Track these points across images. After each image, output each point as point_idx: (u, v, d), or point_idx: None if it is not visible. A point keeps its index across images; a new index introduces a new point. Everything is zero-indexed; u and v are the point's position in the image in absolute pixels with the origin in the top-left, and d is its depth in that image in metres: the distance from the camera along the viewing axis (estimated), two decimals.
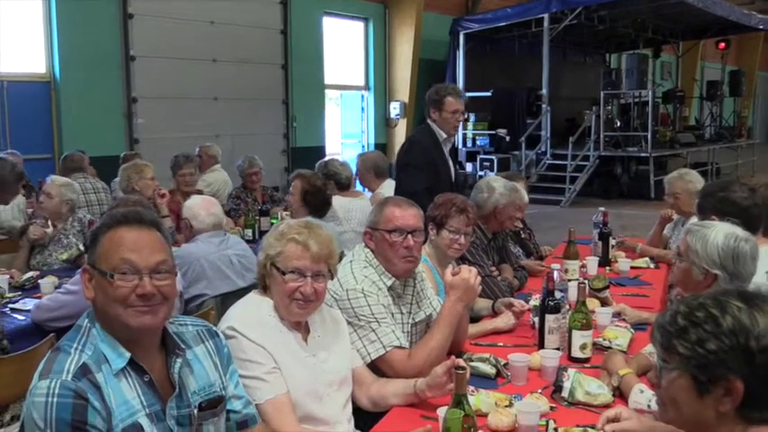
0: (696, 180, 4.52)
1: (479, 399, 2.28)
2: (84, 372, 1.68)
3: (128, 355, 1.76)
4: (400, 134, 14.56)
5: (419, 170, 4.41)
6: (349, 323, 2.57)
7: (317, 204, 4.58)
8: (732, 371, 1.36)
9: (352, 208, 5.17)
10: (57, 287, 3.73)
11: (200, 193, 5.32)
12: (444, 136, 4.61)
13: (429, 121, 4.63)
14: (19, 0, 9.17)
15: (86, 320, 1.81)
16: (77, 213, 4.84)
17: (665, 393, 1.50)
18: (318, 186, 4.60)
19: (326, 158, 6.23)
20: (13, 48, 9.17)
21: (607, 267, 4.39)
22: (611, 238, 4.57)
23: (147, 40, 10.30)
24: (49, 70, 9.49)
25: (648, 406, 2.22)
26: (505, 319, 3.20)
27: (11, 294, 3.84)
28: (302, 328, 2.35)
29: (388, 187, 5.35)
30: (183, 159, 5.89)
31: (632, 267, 4.39)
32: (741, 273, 2.36)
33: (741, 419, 1.38)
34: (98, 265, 1.78)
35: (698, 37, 19.70)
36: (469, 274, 2.65)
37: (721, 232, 2.40)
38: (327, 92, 13.61)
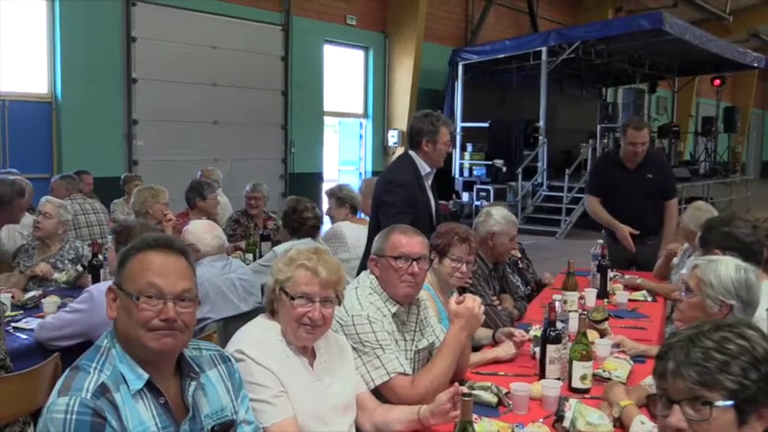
0: (710, 210, 4.51)
1: (482, 427, 2.30)
2: (103, 391, 1.71)
3: (146, 376, 1.79)
4: None
5: (402, 214, 3.93)
6: (354, 349, 2.59)
7: (294, 226, 4.72)
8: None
9: (361, 236, 5.09)
10: (60, 307, 3.75)
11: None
12: (428, 170, 4.24)
13: (412, 152, 4.23)
14: (23, 20, 9.26)
15: (106, 340, 1.84)
16: (74, 241, 4.87)
17: (703, 430, 1.48)
18: (294, 207, 4.71)
19: (339, 183, 6.25)
20: (15, 67, 9.23)
21: (605, 300, 4.42)
22: (609, 270, 4.61)
23: (149, 63, 10.40)
24: (51, 90, 9.56)
25: None
26: (506, 349, 3.22)
27: (13, 313, 3.86)
28: (309, 352, 2.37)
29: None
30: (206, 188, 5.89)
31: (630, 300, 4.43)
32: (753, 301, 2.44)
33: None
34: (124, 287, 1.82)
35: (694, 73, 19.97)
36: (474, 303, 2.68)
37: (732, 264, 2.49)
38: (326, 119, 13.71)
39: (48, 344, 3.33)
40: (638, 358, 3.20)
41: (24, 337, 3.48)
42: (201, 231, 4.01)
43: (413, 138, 4.26)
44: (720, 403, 1.45)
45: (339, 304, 2.43)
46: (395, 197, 4.08)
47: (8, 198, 4.62)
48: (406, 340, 2.83)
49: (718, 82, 19.70)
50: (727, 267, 2.46)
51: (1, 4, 8.99)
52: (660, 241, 5.39)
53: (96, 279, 4.26)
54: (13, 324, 3.66)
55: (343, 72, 14.20)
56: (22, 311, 3.91)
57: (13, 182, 4.83)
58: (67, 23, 9.42)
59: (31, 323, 3.61)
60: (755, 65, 18.08)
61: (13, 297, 4.07)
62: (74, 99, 9.58)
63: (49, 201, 4.77)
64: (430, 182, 4.30)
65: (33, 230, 4.72)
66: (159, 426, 1.79)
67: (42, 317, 3.65)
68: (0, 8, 8.99)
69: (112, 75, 10.04)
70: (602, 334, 3.47)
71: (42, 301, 3.95)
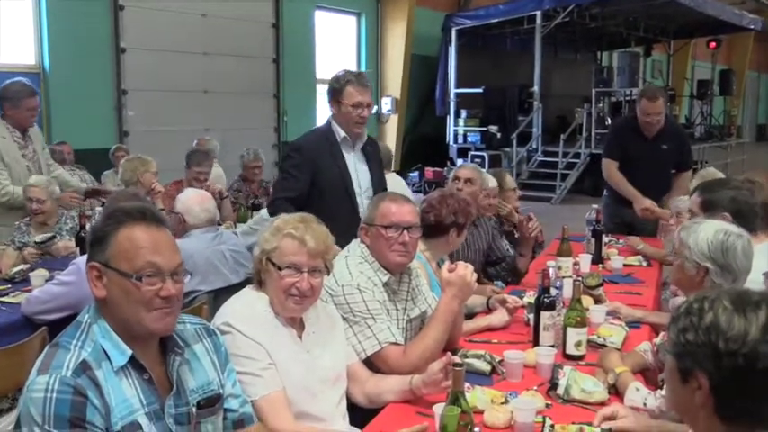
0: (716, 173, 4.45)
1: (475, 395, 2.27)
2: (83, 368, 1.66)
3: (129, 352, 1.74)
4: (392, 130, 14.54)
5: (290, 179, 3.76)
6: (344, 319, 2.55)
7: None
8: (699, 366, 1.39)
9: None
10: (47, 280, 3.69)
11: (219, 192, 5.23)
12: (343, 135, 3.82)
13: (331, 117, 3.89)
14: None
15: (87, 316, 1.78)
16: (69, 212, 4.81)
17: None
18: None
19: None
20: (2, 38, 9.08)
21: (600, 265, 4.39)
22: (603, 235, 4.58)
23: (137, 32, 10.21)
24: (39, 61, 9.40)
25: (644, 404, 2.23)
26: (499, 316, 3.20)
27: (0, 287, 3.80)
28: (297, 324, 2.33)
29: (389, 180, 5.24)
30: (202, 156, 5.79)
31: (625, 265, 4.40)
32: (731, 266, 2.40)
33: (723, 421, 1.40)
34: (114, 265, 1.73)
35: (689, 36, 19.78)
36: (465, 270, 2.64)
37: (711, 227, 2.46)
38: (319, 86, 13.56)
39: (35, 318, 3.28)
40: (633, 324, 3.18)
41: (11, 311, 3.44)
42: (191, 202, 3.94)
43: (327, 99, 3.90)
44: (668, 349, 1.50)
45: (328, 274, 2.39)
46: (289, 163, 3.84)
47: (19, 95, 4.80)
48: (398, 309, 2.79)
49: (713, 45, 19.55)
50: (706, 230, 2.44)
51: None
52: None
53: (84, 251, 4.19)
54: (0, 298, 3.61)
55: (335, 38, 14.02)
56: (9, 285, 3.86)
57: (24, 82, 4.95)
58: None
59: (19, 297, 3.56)
60: (752, 27, 17.90)
61: (0, 271, 4.02)
62: (62, 70, 9.42)
63: (34, 185, 4.62)
64: (356, 151, 3.90)
65: (33, 217, 4.61)
66: (144, 402, 1.74)
67: (30, 290, 3.60)
68: None
69: (101, 44, 9.87)
70: (597, 300, 3.45)
71: (30, 274, 3.89)
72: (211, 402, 1.90)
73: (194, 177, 5.63)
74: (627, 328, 3.04)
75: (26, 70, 9.30)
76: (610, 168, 5.40)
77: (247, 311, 2.26)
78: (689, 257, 2.45)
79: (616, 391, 2.39)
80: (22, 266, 4.06)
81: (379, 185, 3.94)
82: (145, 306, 1.73)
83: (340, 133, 3.82)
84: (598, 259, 4.44)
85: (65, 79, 9.43)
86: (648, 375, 2.62)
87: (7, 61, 9.15)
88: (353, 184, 3.80)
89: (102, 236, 1.77)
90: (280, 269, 2.24)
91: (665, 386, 1.62)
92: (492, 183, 4.48)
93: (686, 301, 1.49)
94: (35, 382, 1.62)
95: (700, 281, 2.43)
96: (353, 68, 14.02)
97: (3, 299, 3.61)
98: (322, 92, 13.88)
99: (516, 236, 4.62)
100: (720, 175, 4.39)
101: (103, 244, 1.76)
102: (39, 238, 4.07)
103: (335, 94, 3.78)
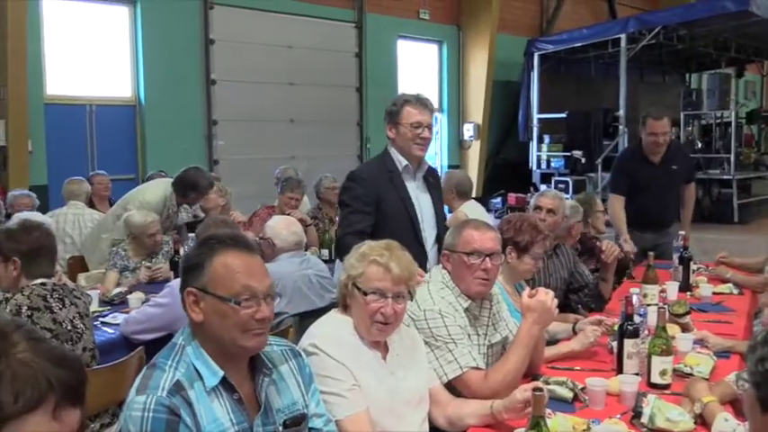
0: None
1: (557, 422, 2.27)
2: (177, 389, 1.76)
3: (221, 373, 1.82)
4: (474, 156, 14.55)
5: (358, 213, 3.52)
6: (426, 343, 2.59)
7: None
8: None
9: None
10: (144, 302, 3.89)
11: (302, 220, 5.39)
12: (404, 163, 3.60)
13: (389, 146, 3.66)
14: (107, 27, 9.62)
15: (181, 338, 1.88)
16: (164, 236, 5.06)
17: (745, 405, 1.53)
18: None
19: None
20: (100, 73, 9.62)
21: (688, 293, 4.28)
22: (691, 262, 4.46)
23: (227, 65, 10.65)
24: (135, 94, 9.91)
25: None
26: (581, 339, 3.14)
27: (101, 308, 4.03)
28: (381, 346, 2.39)
29: (469, 207, 5.29)
30: (295, 183, 6.09)
31: (714, 293, 4.28)
32: None
33: None
34: (212, 290, 1.82)
35: None
36: (546, 296, 2.64)
37: None
38: None
39: (132, 337, 3.47)
40: (722, 354, 3.09)
41: (111, 331, 3.64)
42: (279, 227, 4.10)
43: (385, 126, 3.67)
44: (746, 378, 1.48)
45: (411, 299, 2.45)
46: (348, 194, 3.61)
47: (204, 188, 5.41)
48: (479, 335, 2.81)
49: None
50: None
51: (86, 13, 9.36)
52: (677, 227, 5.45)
53: (178, 275, 4.39)
54: (100, 319, 3.83)
55: (418, 67, 14.18)
56: (109, 307, 4.09)
57: (207, 175, 5.52)
58: (149, 28, 9.75)
59: (118, 318, 3.77)
60: None
61: (102, 294, 4.25)
62: (156, 102, 9.90)
63: (155, 222, 4.93)
64: (417, 180, 3.69)
65: (150, 249, 4.89)
66: (234, 421, 1.82)
67: (128, 312, 3.80)
68: (86, 16, 9.37)
69: (192, 77, 10.34)
70: (685, 328, 3.37)
71: (128, 296, 4.12)
72: (297, 422, 1.97)
73: (286, 203, 5.86)
74: (715, 358, 2.96)
75: (123, 103, 9.82)
76: (614, 204, 5.42)
77: (333, 334, 2.33)
78: None
79: (703, 422, 2.33)
80: (120, 289, 4.29)
81: (440, 216, 3.78)
82: (241, 328, 1.82)
83: (401, 161, 3.60)
84: (686, 287, 4.33)
85: (159, 110, 9.89)
86: (738, 406, 2.54)
87: (106, 94, 9.68)
88: (417, 213, 3.61)
89: (198, 263, 1.86)
90: (365, 294, 2.30)
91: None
92: (575, 214, 4.44)
93: (765, 330, 1.47)
94: (134, 401, 1.73)
95: None
96: (436, 96, 14.22)
97: (103, 319, 3.82)
98: None
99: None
100: None
101: (199, 270, 1.85)
102: (114, 293, 4.29)
103: (393, 116, 3.58)
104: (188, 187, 5.33)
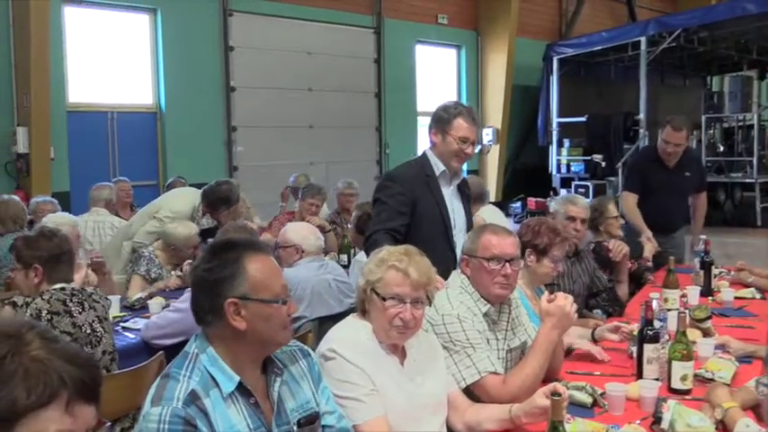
0: None
1: (575, 427, 2.26)
2: (193, 398, 1.76)
3: (237, 378, 1.83)
4: (493, 160, 14.51)
5: (396, 214, 3.46)
6: (444, 348, 2.59)
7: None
8: None
9: None
10: (164, 307, 3.92)
11: (321, 226, 5.41)
12: (442, 168, 3.59)
13: (428, 149, 3.67)
14: (127, 35, 9.73)
15: (194, 346, 1.88)
16: None
17: None
18: (369, 213, 4.70)
19: None
20: (122, 80, 9.73)
21: (709, 297, 4.25)
22: (713, 267, 4.42)
23: (246, 72, 10.72)
24: (156, 101, 10.01)
25: None
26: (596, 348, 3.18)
27: (122, 314, 4.07)
28: (399, 351, 2.40)
29: (486, 212, 5.29)
30: (315, 189, 6.17)
31: (736, 298, 4.23)
32: None
33: None
34: (255, 296, 1.85)
35: None
36: (565, 300, 2.64)
37: None
38: (420, 119, 13.73)
39: (153, 342, 3.50)
40: (744, 359, 3.06)
41: (132, 336, 3.68)
42: (306, 231, 4.17)
43: (429, 128, 3.68)
44: (766, 383, 1.45)
45: (429, 305, 2.45)
46: (385, 193, 3.55)
47: (235, 200, 5.44)
48: (497, 339, 2.80)
49: None
50: None
51: (108, 21, 9.47)
52: (685, 232, 5.55)
53: None
54: (121, 324, 3.86)
55: (436, 72, 14.19)
56: (129, 312, 4.13)
57: (234, 186, 5.57)
58: (169, 36, 9.85)
59: (138, 323, 3.80)
60: None
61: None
62: (176, 109, 9.99)
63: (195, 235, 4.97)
64: (452, 187, 3.68)
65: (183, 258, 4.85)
66: (251, 426, 1.83)
67: (148, 317, 3.83)
68: (107, 24, 9.48)
69: (212, 84, 10.42)
70: (706, 333, 3.34)
71: (148, 302, 4.15)
72: (311, 420, 1.99)
73: (306, 209, 5.93)
74: (737, 363, 2.93)
75: (144, 110, 9.92)
76: (628, 200, 5.47)
77: (352, 338, 2.34)
78: None
79: (724, 427, 2.31)
80: (141, 294, 4.33)
81: (471, 225, 3.74)
82: (281, 325, 1.90)
83: (439, 166, 3.59)
84: (708, 292, 4.30)
85: (179, 117, 9.98)
86: (760, 412, 2.52)
87: (127, 102, 9.78)
88: (450, 218, 3.61)
89: (231, 273, 1.85)
90: (384, 299, 2.31)
91: None
92: (573, 208, 4.40)
93: None
94: (149, 413, 1.74)
95: None
96: (454, 99, 14.17)
97: (124, 324, 3.86)
98: (423, 124, 14.02)
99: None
100: None
101: (236, 280, 1.85)
102: (134, 298, 4.32)
103: (442, 123, 3.55)
104: (220, 201, 5.37)
